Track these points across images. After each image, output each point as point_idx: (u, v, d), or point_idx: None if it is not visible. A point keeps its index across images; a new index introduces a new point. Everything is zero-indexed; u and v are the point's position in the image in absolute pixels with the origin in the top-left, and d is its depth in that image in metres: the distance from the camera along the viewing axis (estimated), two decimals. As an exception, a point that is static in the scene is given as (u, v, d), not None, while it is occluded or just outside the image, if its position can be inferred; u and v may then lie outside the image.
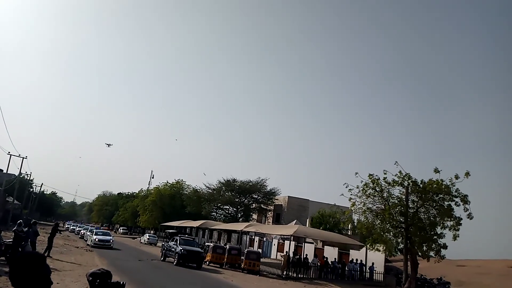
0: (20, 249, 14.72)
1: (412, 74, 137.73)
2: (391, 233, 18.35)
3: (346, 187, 18.10)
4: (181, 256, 24.38)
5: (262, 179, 49.77)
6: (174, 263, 24.80)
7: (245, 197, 50.35)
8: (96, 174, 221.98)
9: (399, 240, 18.50)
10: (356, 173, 18.29)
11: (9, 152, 45.70)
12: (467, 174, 16.55)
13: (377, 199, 18.39)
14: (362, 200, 18.36)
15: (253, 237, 43.28)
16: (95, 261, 21.65)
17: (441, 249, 17.28)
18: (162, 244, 30.76)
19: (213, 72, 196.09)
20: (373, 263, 28.21)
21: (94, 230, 39.02)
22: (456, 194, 17.04)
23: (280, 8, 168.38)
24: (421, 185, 17.63)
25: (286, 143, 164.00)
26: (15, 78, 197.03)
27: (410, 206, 17.99)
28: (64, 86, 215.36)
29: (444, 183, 17.10)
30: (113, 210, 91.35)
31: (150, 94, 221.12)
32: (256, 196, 50.31)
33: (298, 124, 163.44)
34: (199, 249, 26.62)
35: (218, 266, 27.37)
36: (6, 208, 55.33)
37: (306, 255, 29.53)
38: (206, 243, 35.87)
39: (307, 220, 46.38)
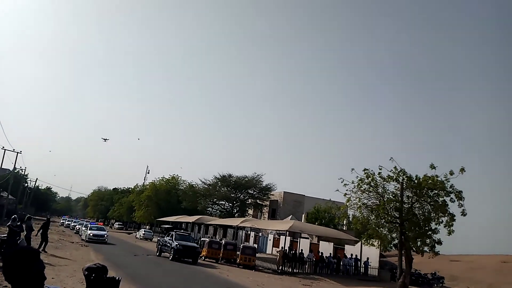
0: (15, 244, 14.65)
1: (408, 69, 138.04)
2: (386, 228, 18.45)
3: (342, 182, 18.15)
4: (176, 251, 24.40)
5: (258, 175, 49.92)
6: (170, 258, 24.83)
7: (240, 193, 50.44)
8: (91, 169, 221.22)
9: (394, 235, 18.61)
10: (352, 169, 18.33)
11: (3, 147, 45.49)
12: (462, 170, 16.63)
13: (372, 194, 18.45)
14: (357, 196, 18.40)
15: (249, 232, 43.42)
16: (91, 256, 21.63)
17: (436, 245, 17.40)
18: (158, 239, 30.78)
19: (207, 68, 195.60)
20: (368, 258, 28.43)
21: (89, 225, 38.98)
22: (450, 190, 17.14)
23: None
24: (416, 181, 17.70)
25: (281, 138, 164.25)
26: (6, 72, 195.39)
27: (405, 201, 18.07)
28: (58, 80, 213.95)
29: (439, 179, 17.19)
30: (109, 205, 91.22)
31: (146, 89, 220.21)
32: (252, 192, 50.43)
33: (293, 119, 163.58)
34: (195, 244, 26.66)
35: (214, 261, 27.45)
36: (1, 203, 55.00)
37: (302, 250, 29.69)
38: (202, 238, 35.94)
39: (303, 215, 46.58)
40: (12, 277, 2.06)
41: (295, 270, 26.23)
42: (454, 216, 16.91)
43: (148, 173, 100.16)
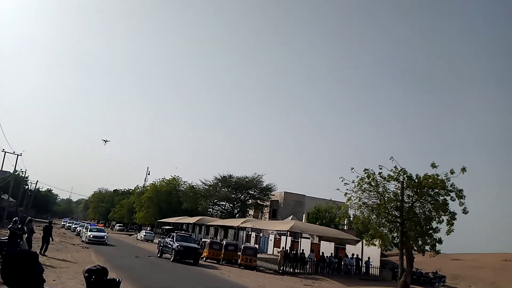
0: (16, 247, 14.67)
1: (409, 69, 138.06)
2: (387, 227, 18.46)
3: (342, 181, 18.16)
4: (178, 252, 24.40)
5: (258, 175, 49.97)
6: (171, 260, 24.82)
7: (241, 193, 50.47)
8: (91, 171, 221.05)
9: (395, 234, 18.62)
10: (352, 168, 18.33)
11: (3, 149, 45.48)
12: (463, 169, 16.63)
13: (372, 194, 18.46)
14: (358, 195, 18.43)
15: (250, 232, 43.42)
16: (92, 258, 21.63)
17: (436, 244, 17.39)
18: (159, 241, 30.78)
19: (209, 68, 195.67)
20: (369, 258, 28.44)
21: (89, 227, 39.17)
22: (451, 188, 17.13)
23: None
24: (416, 180, 17.71)
25: (282, 139, 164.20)
26: (6, 74, 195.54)
27: (406, 201, 18.08)
28: (58, 83, 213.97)
29: (439, 177, 17.19)
30: (109, 207, 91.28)
31: (146, 90, 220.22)
32: (253, 192, 50.45)
33: (293, 119, 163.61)
34: (196, 245, 26.66)
35: (215, 262, 27.43)
36: (1, 205, 55.07)
37: (303, 250, 29.69)
38: (203, 239, 35.93)
39: (304, 215, 46.61)
40: (10, 280, 2.07)
41: (296, 270, 26.21)
42: (455, 214, 16.91)
43: (149, 174, 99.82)
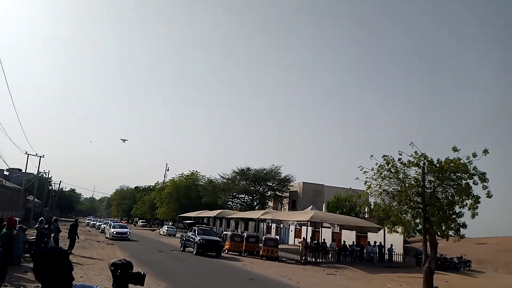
0: (43, 246, 15.09)
1: (427, 57, 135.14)
2: (409, 214, 18.19)
3: (361, 170, 17.94)
4: (200, 245, 24.69)
5: (276, 167, 49.99)
6: (194, 253, 25.15)
7: (260, 185, 50.61)
8: (112, 169, 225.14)
9: (417, 221, 18.33)
10: (371, 156, 18.07)
11: (26, 152, 46.62)
12: (485, 151, 16.19)
13: (392, 180, 18.17)
14: (378, 183, 18.15)
15: (270, 224, 43.57)
16: (117, 253, 22.09)
17: (461, 228, 17.07)
18: (181, 235, 31.21)
19: (221, 64, 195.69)
20: (391, 245, 28.18)
21: (112, 223, 40.10)
22: (473, 172, 16.73)
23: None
24: (437, 165, 17.35)
25: (299, 129, 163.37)
26: (27, 76, 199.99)
27: (427, 186, 17.74)
28: (78, 84, 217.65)
29: (461, 161, 16.79)
30: (131, 204, 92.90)
31: (162, 88, 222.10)
32: (271, 184, 50.52)
33: (311, 110, 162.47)
34: (218, 238, 26.93)
35: (237, 254, 27.67)
36: (27, 206, 56.72)
37: (324, 239, 29.64)
38: (224, 232, 36.28)
39: (323, 205, 46.44)
40: (42, 277, 2.12)
41: (318, 260, 26.23)
42: (479, 198, 16.53)
43: (168, 170, 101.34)
